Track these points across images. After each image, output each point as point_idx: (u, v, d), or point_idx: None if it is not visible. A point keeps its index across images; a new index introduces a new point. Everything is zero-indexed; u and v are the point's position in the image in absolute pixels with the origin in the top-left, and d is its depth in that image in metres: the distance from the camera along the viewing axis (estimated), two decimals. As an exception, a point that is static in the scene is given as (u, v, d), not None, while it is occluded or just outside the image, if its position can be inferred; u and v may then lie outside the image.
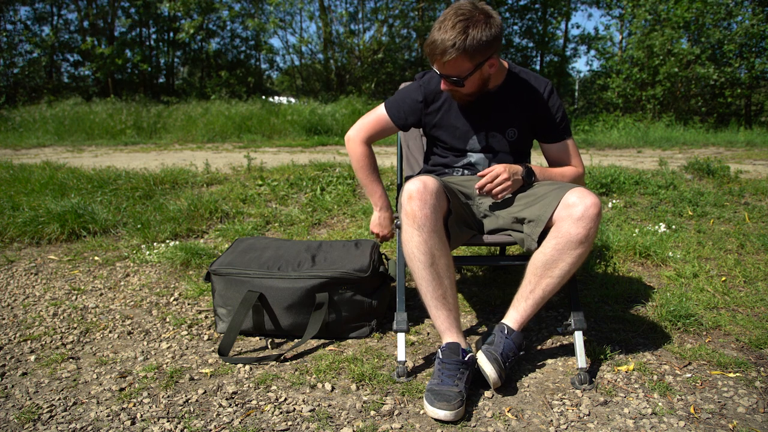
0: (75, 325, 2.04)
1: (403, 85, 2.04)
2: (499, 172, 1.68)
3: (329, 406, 1.50)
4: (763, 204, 3.74)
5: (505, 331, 1.59)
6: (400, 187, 2.27)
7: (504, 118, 1.83)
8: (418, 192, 1.54)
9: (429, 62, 1.71)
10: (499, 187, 1.68)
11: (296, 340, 1.88)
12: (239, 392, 1.57)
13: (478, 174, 1.73)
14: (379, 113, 1.92)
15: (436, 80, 1.83)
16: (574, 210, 1.53)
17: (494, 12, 1.62)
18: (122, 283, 2.51)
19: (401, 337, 1.67)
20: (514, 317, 1.62)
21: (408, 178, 1.91)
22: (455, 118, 1.85)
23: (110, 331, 2.00)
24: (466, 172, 1.89)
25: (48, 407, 1.48)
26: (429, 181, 1.57)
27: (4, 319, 2.12)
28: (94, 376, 1.67)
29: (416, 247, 1.55)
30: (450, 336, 1.58)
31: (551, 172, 1.83)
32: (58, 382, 1.63)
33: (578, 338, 1.64)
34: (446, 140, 1.89)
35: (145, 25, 15.66)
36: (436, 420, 1.42)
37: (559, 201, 1.57)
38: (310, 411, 1.47)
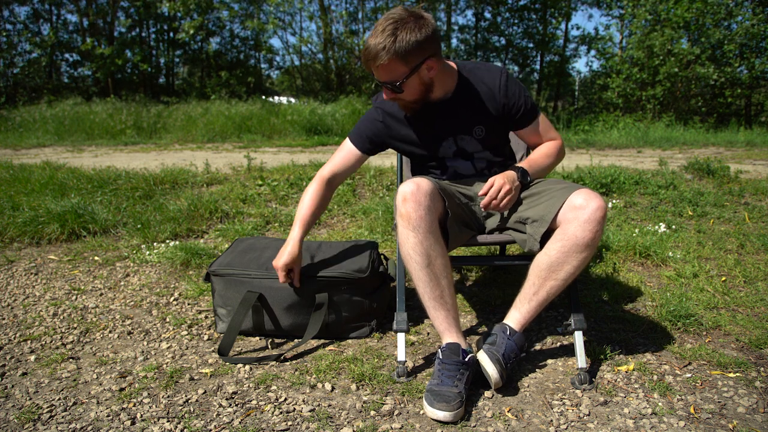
0: (75, 325, 2.04)
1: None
2: (500, 184, 1.63)
3: (329, 406, 1.50)
4: (763, 204, 3.74)
5: (507, 332, 1.59)
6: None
7: (467, 119, 1.79)
8: (412, 194, 1.54)
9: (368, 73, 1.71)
10: (505, 201, 1.63)
11: (296, 340, 1.88)
12: (239, 392, 1.57)
13: (479, 194, 1.67)
14: (343, 144, 1.93)
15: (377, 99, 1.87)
16: (580, 213, 1.52)
17: (427, 14, 1.62)
18: (122, 283, 2.51)
19: (401, 337, 1.67)
20: (516, 318, 1.62)
21: None
22: (418, 129, 1.83)
23: (110, 331, 2.00)
24: (445, 177, 1.90)
25: (48, 407, 1.48)
26: (423, 183, 1.56)
27: (4, 319, 2.12)
28: (94, 376, 1.67)
29: (412, 248, 1.55)
30: (450, 336, 1.58)
31: (537, 160, 1.79)
32: (58, 382, 1.63)
33: (578, 338, 1.64)
34: (417, 152, 1.87)
35: (145, 25, 15.66)
36: (435, 420, 1.42)
37: (563, 202, 1.56)
38: (310, 411, 1.47)
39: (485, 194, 1.64)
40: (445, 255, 1.60)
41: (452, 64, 1.78)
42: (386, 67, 1.59)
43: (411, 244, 1.55)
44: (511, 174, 1.70)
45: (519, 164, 1.76)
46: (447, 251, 1.63)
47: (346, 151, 1.92)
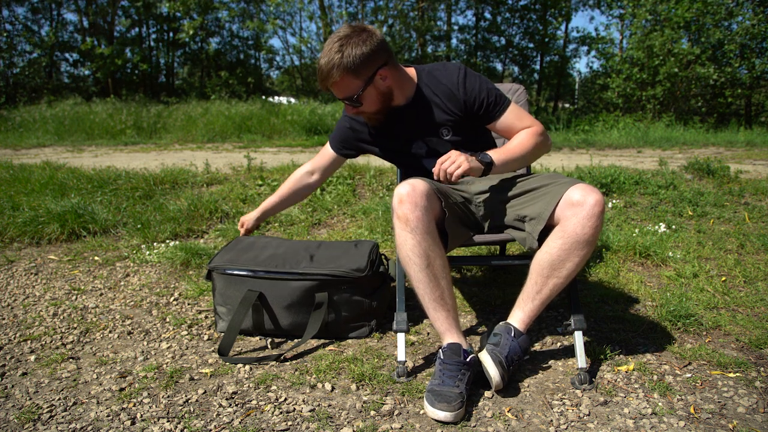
0: (75, 325, 2.04)
1: None
2: (450, 154, 1.58)
3: (329, 406, 1.50)
4: (763, 204, 3.74)
5: (512, 333, 1.58)
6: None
7: (430, 122, 1.78)
8: (408, 195, 1.54)
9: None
10: (453, 165, 1.55)
11: (296, 340, 1.88)
12: (239, 392, 1.57)
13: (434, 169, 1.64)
14: (326, 145, 2.07)
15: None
16: (579, 209, 1.52)
17: (371, 27, 1.66)
18: (122, 283, 2.51)
19: (401, 337, 1.67)
20: (520, 318, 1.61)
21: None
22: (385, 135, 1.87)
23: (110, 331, 2.00)
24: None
25: (48, 407, 1.48)
26: (418, 184, 1.56)
27: (4, 319, 2.12)
28: (94, 376, 1.67)
29: (411, 249, 1.55)
30: (450, 337, 1.58)
31: (508, 148, 1.71)
32: (58, 382, 1.63)
33: (578, 338, 1.64)
34: (390, 156, 1.93)
35: (145, 25, 15.66)
36: (435, 420, 1.42)
37: (559, 198, 1.56)
38: (310, 411, 1.47)
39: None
40: (443, 256, 1.60)
41: (411, 69, 1.80)
42: (340, 84, 1.65)
43: (409, 246, 1.55)
44: (471, 156, 1.63)
45: (489, 152, 1.66)
46: (446, 252, 1.63)
47: (325, 151, 2.07)
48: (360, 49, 1.60)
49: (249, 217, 2.20)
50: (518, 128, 1.77)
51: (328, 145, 2.05)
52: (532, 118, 1.78)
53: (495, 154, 1.64)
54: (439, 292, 1.58)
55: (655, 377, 1.64)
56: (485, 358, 1.54)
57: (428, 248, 1.55)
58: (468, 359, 1.52)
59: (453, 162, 1.56)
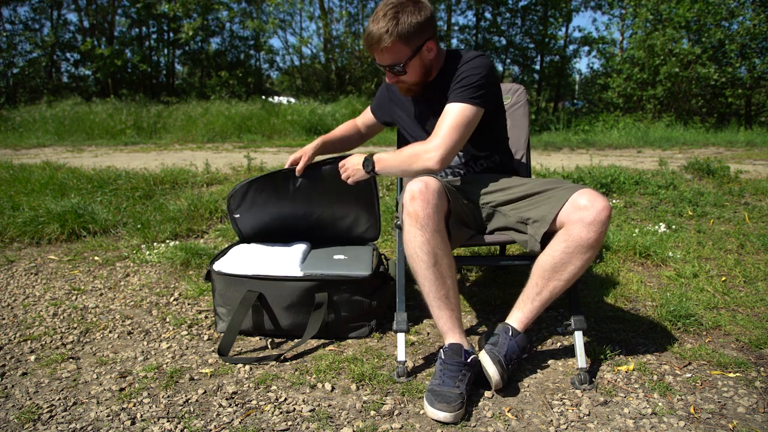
0: (75, 325, 2.04)
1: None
2: (344, 162, 1.85)
3: (329, 406, 1.50)
4: (763, 204, 3.74)
5: (510, 333, 1.58)
6: (400, 186, 2.27)
7: (440, 105, 1.76)
8: (420, 192, 1.54)
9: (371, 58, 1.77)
10: (344, 175, 1.85)
11: (296, 340, 1.88)
12: (239, 392, 1.57)
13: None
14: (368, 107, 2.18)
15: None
16: (585, 213, 1.51)
17: None
18: (122, 283, 2.51)
19: (401, 337, 1.67)
20: (519, 318, 1.61)
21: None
22: (409, 111, 1.94)
23: (110, 331, 2.00)
24: (440, 173, 1.91)
25: (48, 407, 1.48)
26: (431, 181, 1.57)
27: (4, 319, 2.12)
28: (94, 376, 1.67)
29: (419, 246, 1.55)
30: (452, 337, 1.58)
31: (395, 154, 1.72)
32: (58, 382, 1.63)
33: (578, 338, 1.64)
34: (406, 135, 1.98)
35: (145, 25, 15.66)
36: (435, 421, 1.42)
37: (564, 202, 1.56)
38: (310, 411, 1.47)
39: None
40: (450, 255, 1.60)
41: (443, 48, 1.83)
42: (390, 50, 1.65)
43: (418, 243, 1.55)
44: (356, 160, 1.82)
45: (375, 156, 1.77)
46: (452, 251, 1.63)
47: (367, 111, 2.17)
48: (415, 18, 1.62)
49: (308, 147, 2.04)
50: (440, 127, 1.67)
51: (368, 109, 2.16)
52: (448, 136, 1.64)
53: (379, 164, 1.74)
54: (444, 291, 1.58)
55: (655, 377, 1.64)
56: (484, 357, 1.54)
57: (437, 246, 1.55)
58: (469, 360, 1.52)
59: (346, 171, 1.83)
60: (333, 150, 2.12)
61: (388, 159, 1.75)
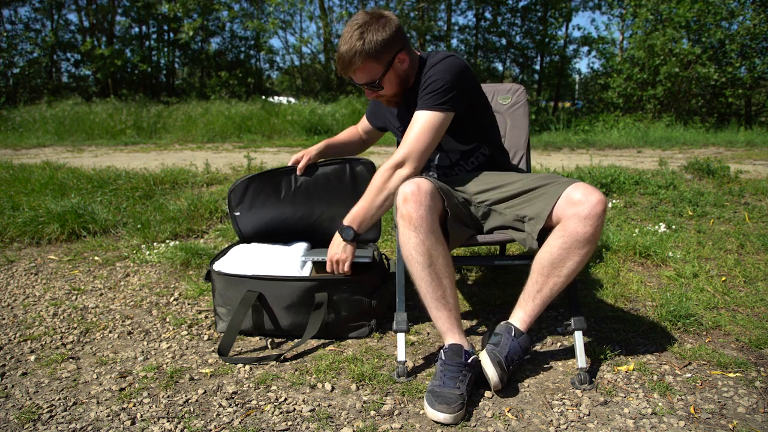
0: (75, 325, 2.04)
1: None
2: (331, 257, 1.80)
3: (329, 406, 1.50)
4: (763, 204, 3.74)
5: (512, 333, 1.58)
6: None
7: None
8: (412, 194, 1.54)
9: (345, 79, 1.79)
10: (339, 265, 1.80)
11: (296, 340, 1.88)
12: (239, 392, 1.57)
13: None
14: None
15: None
16: (580, 208, 1.51)
17: (387, 11, 1.72)
18: (122, 283, 2.51)
19: (401, 337, 1.67)
20: (521, 317, 1.61)
21: None
22: (397, 116, 1.95)
23: (110, 331, 2.00)
24: (432, 174, 1.92)
25: (48, 407, 1.48)
26: (423, 183, 1.57)
27: (4, 319, 2.12)
28: (94, 376, 1.67)
29: (414, 248, 1.56)
30: (452, 337, 1.58)
31: (364, 205, 1.74)
32: (58, 382, 1.63)
33: (578, 338, 1.64)
34: (398, 140, 1.97)
35: (146, 26, 15.66)
36: (435, 422, 1.42)
37: (557, 197, 1.55)
38: (310, 411, 1.47)
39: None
40: (447, 255, 1.60)
41: (417, 52, 1.83)
42: (363, 69, 1.69)
43: (412, 245, 1.56)
44: (336, 241, 1.79)
45: (345, 219, 1.76)
46: (449, 251, 1.63)
47: (364, 121, 2.20)
48: (380, 35, 1.64)
49: (312, 148, 2.11)
50: (407, 135, 1.71)
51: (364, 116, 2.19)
52: (415, 142, 1.67)
53: (356, 220, 1.74)
54: (441, 291, 1.58)
55: (655, 377, 1.64)
56: (484, 358, 1.54)
57: (431, 247, 1.55)
58: (469, 360, 1.52)
59: (336, 261, 1.78)
60: (336, 154, 2.15)
61: (362, 206, 1.74)
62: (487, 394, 1.55)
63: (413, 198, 1.54)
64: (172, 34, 15.69)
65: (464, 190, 1.80)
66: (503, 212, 1.72)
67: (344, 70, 1.71)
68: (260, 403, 1.51)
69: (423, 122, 1.68)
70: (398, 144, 2.17)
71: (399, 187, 1.60)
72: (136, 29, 15.68)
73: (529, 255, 1.66)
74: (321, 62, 15.25)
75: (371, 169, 2.06)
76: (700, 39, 11.52)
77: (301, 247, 2.09)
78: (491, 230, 1.79)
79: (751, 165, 5.37)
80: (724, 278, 2.46)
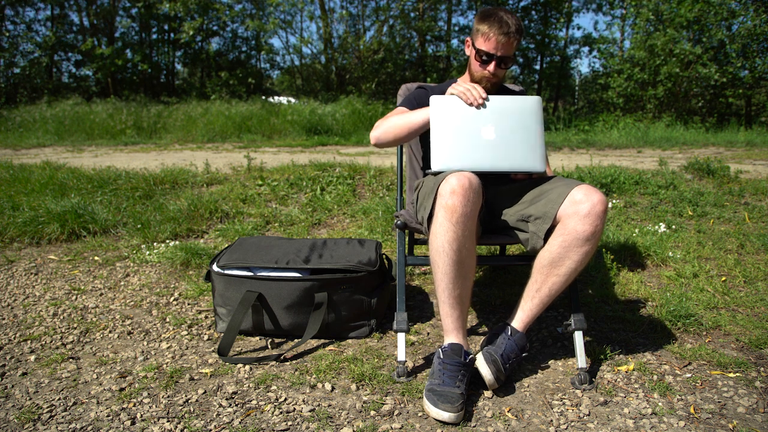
0: (75, 325, 2.04)
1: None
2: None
3: (329, 406, 1.50)
4: (763, 204, 3.73)
5: (509, 332, 1.58)
6: (401, 187, 2.27)
7: None
8: (462, 188, 1.49)
9: (479, 41, 1.82)
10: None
11: (296, 340, 1.88)
12: (239, 392, 1.57)
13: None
14: (397, 108, 1.97)
15: (442, 87, 1.93)
16: (580, 207, 1.52)
17: None
18: (122, 283, 2.51)
19: (401, 337, 1.67)
20: (519, 317, 1.62)
21: (427, 174, 1.87)
22: None
23: (110, 331, 2.00)
24: None
25: (48, 407, 1.48)
26: (473, 179, 1.52)
27: (4, 319, 2.12)
28: (94, 376, 1.67)
29: (449, 242, 1.50)
30: (455, 337, 1.58)
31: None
32: (58, 382, 1.63)
33: (578, 338, 1.64)
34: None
35: (146, 26, 15.66)
36: (438, 421, 1.42)
37: (564, 197, 1.56)
38: (310, 411, 1.47)
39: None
40: (474, 257, 1.58)
41: None
42: (515, 43, 1.81)
43: (448, 238, 1.50)
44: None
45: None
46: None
47: (401, 111, 1.92)
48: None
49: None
50: None
51: (401, 108, 1.95)
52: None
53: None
54: (460, 290, 1.56)
55: (655, 377, 1.64)
56: (479, 358, 1.55)
57: (464, 245, 1.52)
58: (468, 360, 1.52)
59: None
60: None
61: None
62: (487, 394, 1.55)
63: (462, 192, 1.48)
64: (172, 35, 15.68)
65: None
66: (507, 214, 1.73)
67: (507, 35, 1.77)
68: (260, 403, 1.51)
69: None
70: (422, 142, 2.13)
71: (447, 176, 1.53)
72: (137, 30, 15.68)
73: (530, 256, 1.66)
74: (321, 62, 15.24)
75: None
76: (700, 39, 11.51)
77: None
78: (494, 229, 1.79)
79: (751, 165, 5.37)
80: (724, 278, 2.46)
